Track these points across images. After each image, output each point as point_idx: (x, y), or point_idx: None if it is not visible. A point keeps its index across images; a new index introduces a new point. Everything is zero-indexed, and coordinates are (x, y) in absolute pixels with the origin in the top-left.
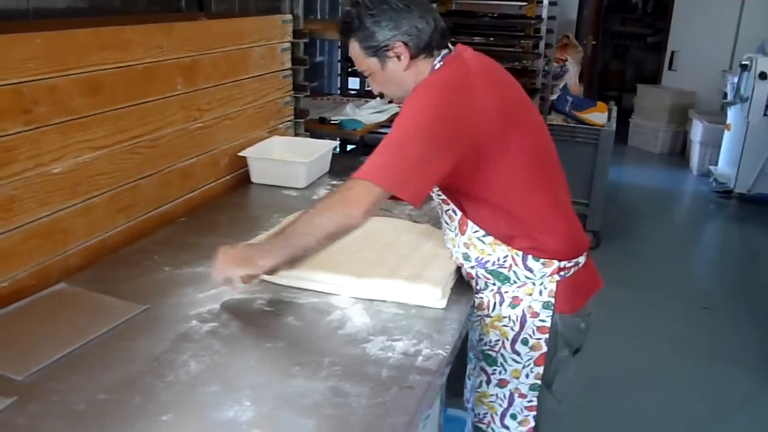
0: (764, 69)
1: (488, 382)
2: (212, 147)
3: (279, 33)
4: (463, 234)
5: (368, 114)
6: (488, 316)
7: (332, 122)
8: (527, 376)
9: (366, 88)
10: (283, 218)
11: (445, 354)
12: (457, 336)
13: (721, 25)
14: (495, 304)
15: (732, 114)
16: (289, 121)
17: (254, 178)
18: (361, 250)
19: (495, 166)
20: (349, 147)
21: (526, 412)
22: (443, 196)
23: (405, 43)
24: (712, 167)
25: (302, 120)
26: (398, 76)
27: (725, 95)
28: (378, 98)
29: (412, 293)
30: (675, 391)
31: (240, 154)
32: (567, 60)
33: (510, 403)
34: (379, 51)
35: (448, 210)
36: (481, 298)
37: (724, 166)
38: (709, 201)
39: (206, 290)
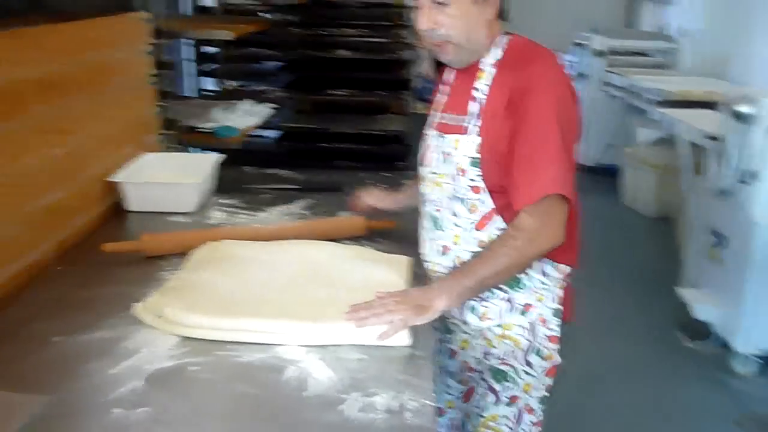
0: (598, 47)
1: (497, 401)
2: (80, 175)
3: (140, 34)
4: (481, 229)
5: (240, 118)
6: (498, 326)
7: (204, 131)
8: (537, 389)
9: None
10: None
11: (432, 404)
12: (435, 377)
13: (553, 8)
14: (503, 312)
15: None
16: (159, 134)
17: (132, 206)
18: (301, 285)
19: None
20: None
21: (533, 429)
22: (478, 184)
23: None
24: None
25: (173, 132)
26: (477, 22)
27: None
28: (248, 100)
29: (375, 333)
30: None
31: (111, 179)
32: (420, 46)
33: (518, 422)
34: None
35: (474, 201)
36: (486, 307)
37: None
38: None
39: (118, 362)
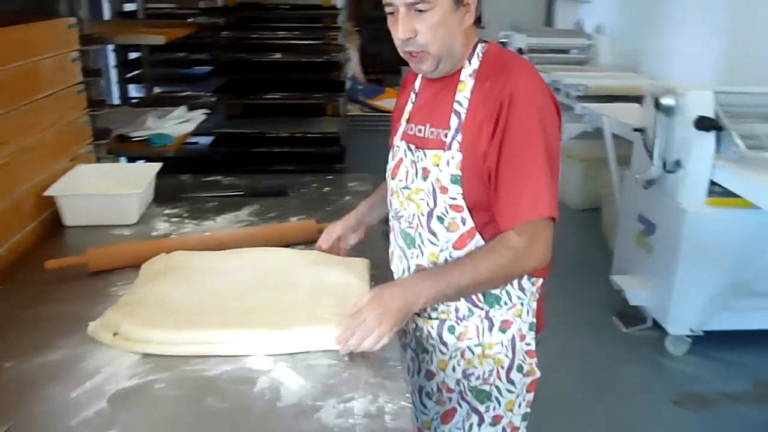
0: (520, 45)
1: (480, 422)
2: (13, 189)
3: (66, 40)
4: (460, 248)
5: (174, 125)
6: (477, 345)
7: (136, 139)
8: (519, 405)
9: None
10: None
11: (410, 405)
12: (408, 376)
13: None
14: (483, 330)
15: None
16: (89, 144)
17: (70, 220)
18: (261, 292)
19: None
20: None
21: None
22: (459, 202)
23: (478, 1)
24: None
25: (104, 141)
26: (456, 30)
27: None
28: (182, 107)
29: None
30: None
31: (46, 193)
32: (348, 48)
33: None
34: None
35: (454, 219)
36: (465, 326)
37: None
38: None
39: (77, 384)
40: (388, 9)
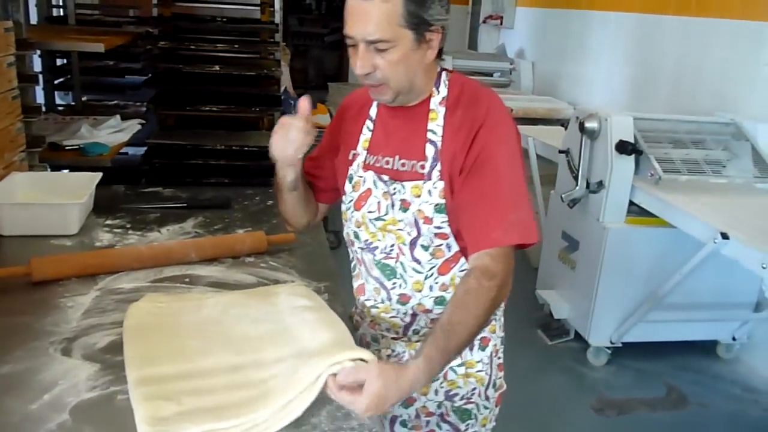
0: (447, 66)
1: None
2: None
3: (2, 44)
4: (445, 274)
5: (109, 134)
6: (461, 365)
7: (69, 148)
8: (491, 420)
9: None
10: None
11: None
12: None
13: None
14: (465, 350)
15: None
16: (22, 151)
17: (6, 230)
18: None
19: None
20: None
21: None
22: (444, 230)
23: (443, 34)
24: None
25: (38, 149)
26: (416, 66)
27: None
28: (116, 116)
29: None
30: None
31: None
32: (280, 63)
33: None
34: (421, 26)
35: (440, 246)
36: None
37: None
38: None
39: (36, 397)
40: (348, 41)
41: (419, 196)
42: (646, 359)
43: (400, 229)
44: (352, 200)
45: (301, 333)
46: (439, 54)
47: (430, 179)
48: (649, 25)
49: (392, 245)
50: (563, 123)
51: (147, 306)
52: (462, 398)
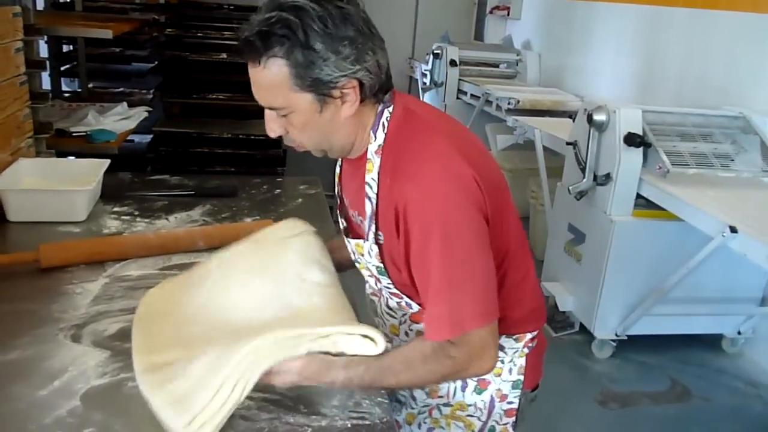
0: (453, 57)
1: None
2: None
3: (10, 30)
4: (419, 322)
5: (115, 122)
6: (447, 405)
7: (76, 135)
8: None
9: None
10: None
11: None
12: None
13: (400, 19)
14: (455, 390)
15: (429, 98)
16: (29, 138)
17: (14, 216)
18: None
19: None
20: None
21: None
22: (394, 290)
23: (361, 83)
24: None
25: (45, 136)
26: (333, 125)
27: (415, 80)
28: (122, 103)
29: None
30: None
31: None
32: None
33: None
34: (321, 87)
35: (400, 302)
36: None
37: None
38: None
39: (46, 383)
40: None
41: (363, 255)
42: (651, 352)
43: (370, 276)
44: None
45: (310, 319)
46: (374, 96)
47: (367, 240)
48: (656, 16)
49: (371, 285)
50: (570, 114)
51: (158, 293)
52: None
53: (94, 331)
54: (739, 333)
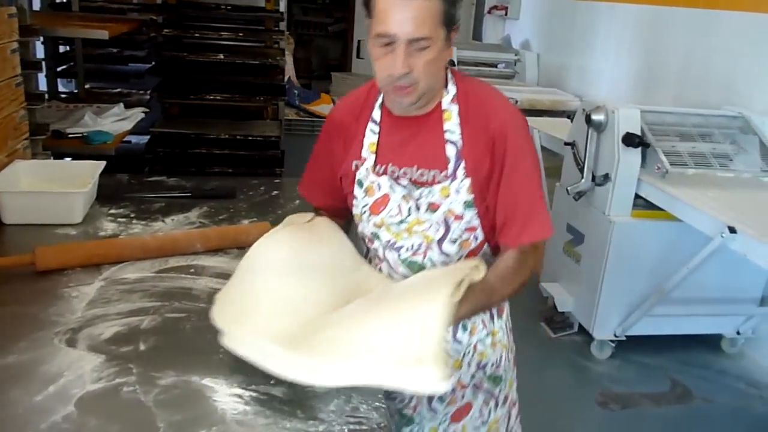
0: (452, 57)
1: (496, 405)
2: None
3: (6, 31)
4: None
5: (112, 123)
6: (487, 335)
7: (73, 136)
8: (515, 379)
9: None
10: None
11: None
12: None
13: None
14: (488, 320)
15: None
16: (25, 139)
17: (7, 218)
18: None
19: None
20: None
21: (517, 419)
22: (474, 224)
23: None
24: None
25: (41, 137)
26: (442, 65)
27: None
28: (119, 104)
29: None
30: None
31: None
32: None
33: (509, 418)
34: (451, 24)
35: (469, 237)
36: (473, 321)
37: None
38: None
39: (42, 388)
40: (383, 40)
41: (448, 196)
42: (651, 353)
43: (426, 229)
44: (366, 205)
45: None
46: None
47: (456, 178)
48: (656, 16)
49: (419, 243)
50: (569, 115)
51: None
52: (492, 365)
53: (90, 335)
54: (738, 333)
